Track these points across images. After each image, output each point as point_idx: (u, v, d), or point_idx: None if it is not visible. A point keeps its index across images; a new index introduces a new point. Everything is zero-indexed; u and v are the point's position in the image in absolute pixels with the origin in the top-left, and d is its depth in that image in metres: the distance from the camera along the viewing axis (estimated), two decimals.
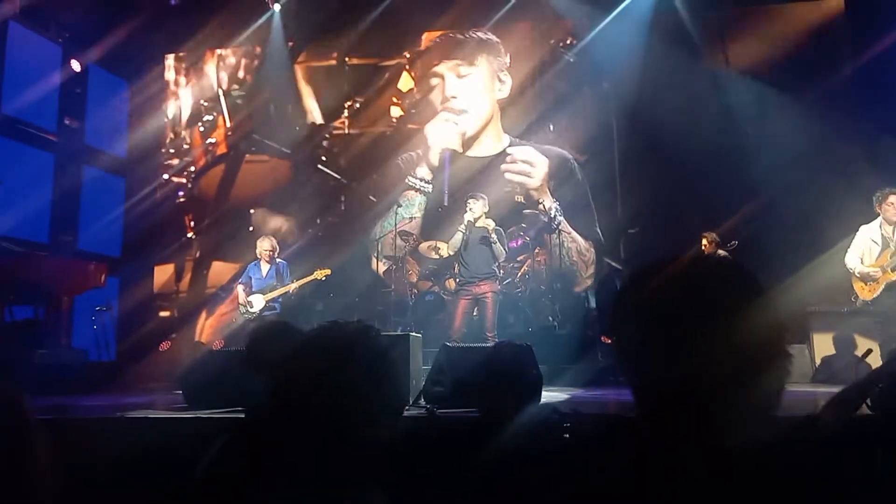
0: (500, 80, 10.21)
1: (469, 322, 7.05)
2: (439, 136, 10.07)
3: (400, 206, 9.61)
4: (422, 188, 10.03)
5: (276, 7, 10.43)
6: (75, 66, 9.93)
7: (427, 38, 10.78)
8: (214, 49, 11.19)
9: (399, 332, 6.44)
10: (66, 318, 8.09)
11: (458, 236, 6.98)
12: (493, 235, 6.84)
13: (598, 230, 9.55)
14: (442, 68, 10.38)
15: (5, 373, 6.58)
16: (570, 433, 2.51)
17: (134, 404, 5.26)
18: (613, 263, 9.29)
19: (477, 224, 6.89)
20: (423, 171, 10.10)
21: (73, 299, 8.18)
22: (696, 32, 9.17)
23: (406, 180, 10.14)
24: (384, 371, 1.19)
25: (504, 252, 6.96)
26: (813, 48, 9.05)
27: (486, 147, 10.16)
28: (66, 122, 10.00)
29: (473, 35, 10.36)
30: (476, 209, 6.91)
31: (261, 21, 10.49)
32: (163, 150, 11.30)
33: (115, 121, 10.90)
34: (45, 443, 1.04)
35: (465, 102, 10.17)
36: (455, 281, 7.66)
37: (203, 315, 10.77)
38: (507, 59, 10.23)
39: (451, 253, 7.21)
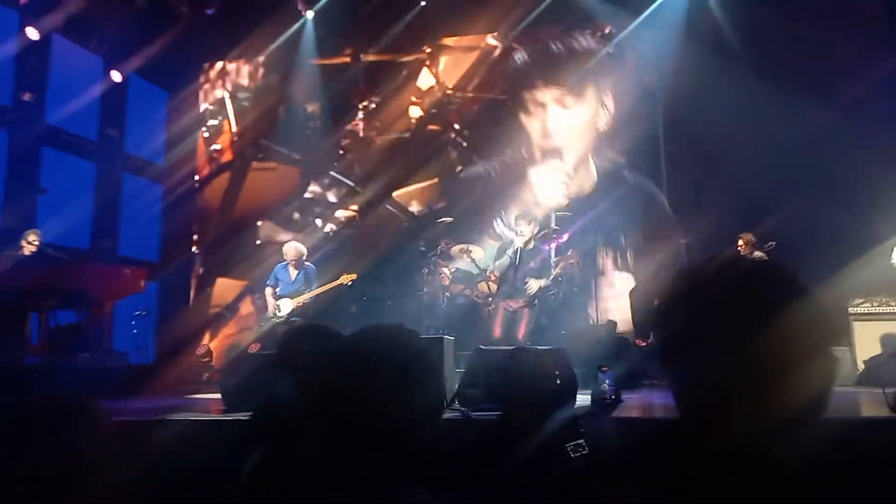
0: (603, 107, 9.26)
1: (507, 330, 7.10)
2: (546, 189, 9.10)
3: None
4: (505, 238, 8.97)
5: (309, 14, 10.52)
6: (116, 76, 10.17)
7: (454, 40, 10.38)
8: (250, 58, 11.10)
9: (432, 335, 6.45)
10: (107, 322, 8.28)
11: (506, 261, 6.98)
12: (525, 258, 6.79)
13: None
14: (545, 96, 9.33)
15: (50, 376, 6.78)
16: (588, 442, 2.51)
17: (174, 406, 5.36)
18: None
19: (525, 247, 6.91)
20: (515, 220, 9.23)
21: (113, 304, 8.37)
22: (732, 32, 9.01)
23: (496, 225, 9.20)
24: (426, 372, 1.20)
25: (548, 277, 6.94)
26: (852, 40, 8.82)
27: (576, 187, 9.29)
28: (107, 131, 10.24)
29: (583, 49, 9.17)
30: (527, 233, 6.89)
31: (294, 28, 10.57)
32: (197, 157, 11.20)
33: (153, 129, 11.11)
34: (120, 445, 1.09)
35: (564, 139, 9.24)
36: (493, 288, 7.69)
37: (206, 337, 10.24)
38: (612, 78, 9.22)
39: (497, 275, 7.17)
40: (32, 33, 8.78)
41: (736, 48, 8.88)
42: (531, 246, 6.86)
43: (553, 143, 9.28)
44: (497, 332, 6.89)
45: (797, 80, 8.58)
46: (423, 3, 10.15)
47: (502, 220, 9.33)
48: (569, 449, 2.49)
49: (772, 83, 8.49)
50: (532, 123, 9.53)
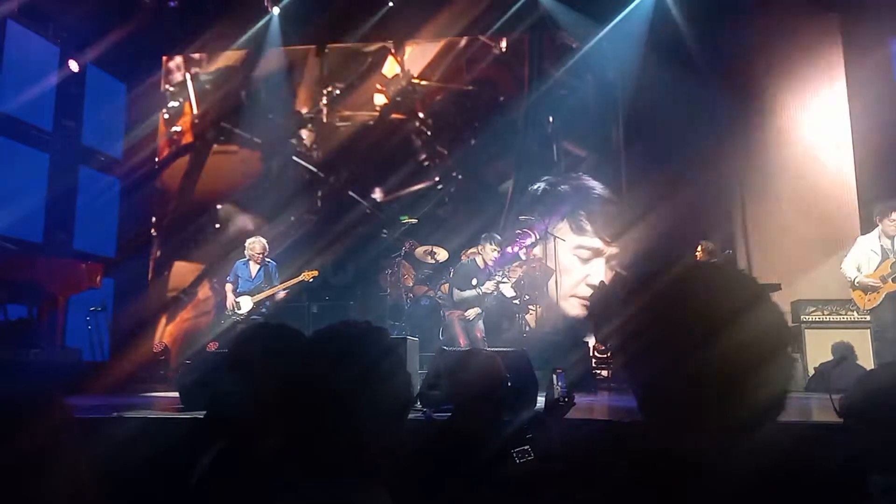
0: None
1: (466, 333, 7.29)
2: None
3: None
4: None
5: (275, 10, 10.40)
6: (73, 66, 9.90)
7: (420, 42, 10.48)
8: (213, 52, 10.96)
9: (395, 336, 6.45)
10: (60, 317, 8.05)
11: (472, 294, 7.27)
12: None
13: None
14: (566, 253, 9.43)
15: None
16: (537, 446, 2.53)
17: (129, 404, 5.25)
18: (622, 272, 9.27)
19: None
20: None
21: (67, 299, 8.15)
22: (692, 42, 9.19)
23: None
24: (394, 370, 1.20)
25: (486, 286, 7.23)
26: (807, 60, 9.09)
27: None
28: (63, 122, 9.97)
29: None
30: (490, 257, 7.29)
31: (260, 24, 10.44)
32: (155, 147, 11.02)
33: (111, 121, 10.84)
34: (84, 441, 1.06)
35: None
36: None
37: (163, 321, 10.18)
38: None
39: (456, 300, 7.38)
40: None
41: (697, 59, 9.06)
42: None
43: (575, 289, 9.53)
44: (461, 339, 7.05)
45: (755, 91, 8.82)
46: (390, 4, 10.13)
47: None
48: (515, 455, 2.50)
49: (730, 93, 8.70)
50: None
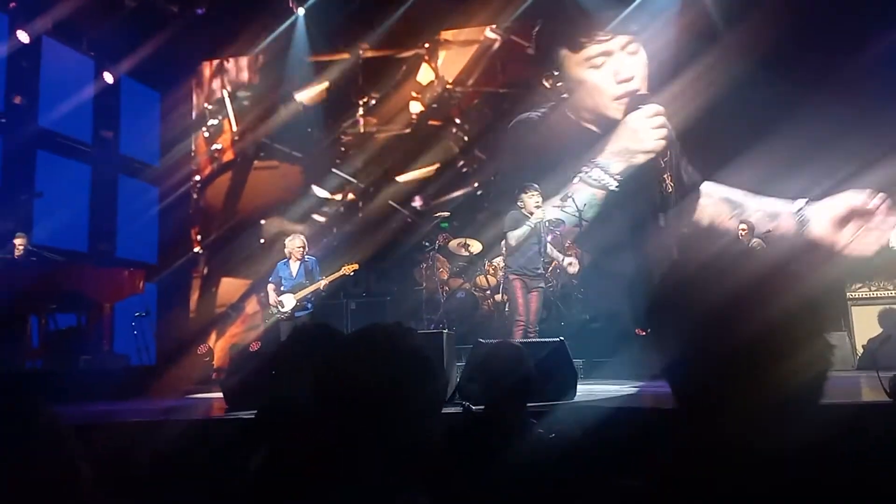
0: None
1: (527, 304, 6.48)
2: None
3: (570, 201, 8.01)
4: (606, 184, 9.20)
5: (300, 11, 10.48)
6: (108, 78, 10.14)
7: (452, 34, 10.38)
8: (243, 55, 11.09)
9: (431, 330, 6.45)
10: (107, 324, 8.28)
11: (525, 230, 6.27)
12: (545, 233, 6.49)
13: None
14: (613, 45, 9.52)
15: (51, 379, 6.79)
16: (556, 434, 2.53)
17: (177, 407, 5.38)
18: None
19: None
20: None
21: (113, 306, 8.37)
22: (722, 21, 8.97)
23: (588, 172, 9.29)
24: (422, 371, 1.20)
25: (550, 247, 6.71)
26: (844, 29, 8.78)
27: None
28: (101, 133, 10.22)
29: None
30: (542, 202, 6.40)
31: (285, 25, 10.54)
32: (192, 158, 11.21)
33: (147, 130, 11.08)
34: (81, 450, 1.08)
35: (639, 83, 9.42)
36: (491, 282, 7.53)
37: (213, 336, 10.29)
38: None
39: (513, 244, 6.50)
40: (23, 36, 8.75)
41: (728, 34, 8.85)
42: (550, 217, 6.59)
43: (628, 88, 9.45)
44: (520, 307, 6.28)
45: (791, 63, 8.56)
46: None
47: (600, 168, 9.37)
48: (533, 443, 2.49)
49: (764, 68, 8.47)
50: (600, 74, 9.59)
